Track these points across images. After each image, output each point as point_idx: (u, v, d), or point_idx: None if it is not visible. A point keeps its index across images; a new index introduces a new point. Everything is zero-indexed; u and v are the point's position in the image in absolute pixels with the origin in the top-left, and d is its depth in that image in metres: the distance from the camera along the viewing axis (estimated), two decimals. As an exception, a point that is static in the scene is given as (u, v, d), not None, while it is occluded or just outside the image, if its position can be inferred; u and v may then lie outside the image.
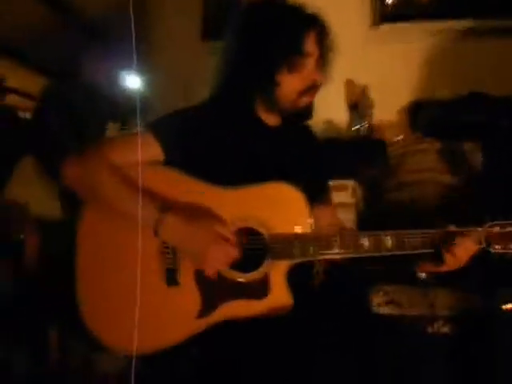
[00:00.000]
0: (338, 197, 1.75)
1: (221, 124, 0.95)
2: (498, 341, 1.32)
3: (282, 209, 0.87)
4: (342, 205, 1.87)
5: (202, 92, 1.02)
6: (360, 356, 0.81)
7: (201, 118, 0.95)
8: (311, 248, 0.86)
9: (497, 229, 0.88)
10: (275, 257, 0.85)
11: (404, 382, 0.94)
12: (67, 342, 1.34)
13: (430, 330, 1.36)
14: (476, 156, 1.94)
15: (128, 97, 1.80)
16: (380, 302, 1.41)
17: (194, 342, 0.82)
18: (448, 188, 1.93)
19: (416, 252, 0.87)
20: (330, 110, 2.07)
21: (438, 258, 0.87)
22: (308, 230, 0.87)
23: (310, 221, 0.87)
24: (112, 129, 1.90)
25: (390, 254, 0.87)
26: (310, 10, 0.97)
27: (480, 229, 0.87)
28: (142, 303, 0.80)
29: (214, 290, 0.84)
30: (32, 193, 1.86)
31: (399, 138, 2.10)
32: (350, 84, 2.34)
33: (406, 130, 2.22)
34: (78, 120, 2.02)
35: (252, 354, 0.79)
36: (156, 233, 0.82)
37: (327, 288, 1.02)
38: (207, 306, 0.83)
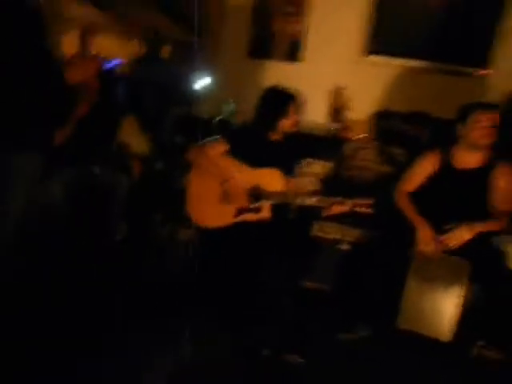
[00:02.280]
0: (314, 169, 3.06)
1: (254, 138, 2.21)
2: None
3: (272, 180, 2.16)
4: (317, 173, 3.16)
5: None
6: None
7: (245, 133, 2.24)
8: (281, 197, 2.15)
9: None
10: (265, 198, 2.15)
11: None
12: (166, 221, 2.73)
13: (339, 246, 2.71)
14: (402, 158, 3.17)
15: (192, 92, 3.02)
16: (317, 229, 2.74)
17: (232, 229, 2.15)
18: (380, 174, 3.19)
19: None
20: (317, 113, 3.31)
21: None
22: (280, 190, 2.15)
23: (282, 187, 2.15)
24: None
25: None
26: (292, 91, 2.19)
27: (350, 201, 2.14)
28: (209, 207, 2.13)
29: (240, 208, 2.15)
30: (133, 138, 3.13)
31: (359, 136, 3.33)
32: (339, 90, 3.49)
33: (368, 131, 3.43)
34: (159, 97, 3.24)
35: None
36: (222, 184, 2.12)
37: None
38: (237, 213, 2.15)
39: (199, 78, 3.01)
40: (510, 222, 2.23)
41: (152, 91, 3.21)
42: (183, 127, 3.23)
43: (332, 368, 2.05)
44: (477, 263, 2.12)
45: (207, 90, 3.09)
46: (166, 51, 3.66)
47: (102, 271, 2.45)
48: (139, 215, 2.88)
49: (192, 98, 3.16)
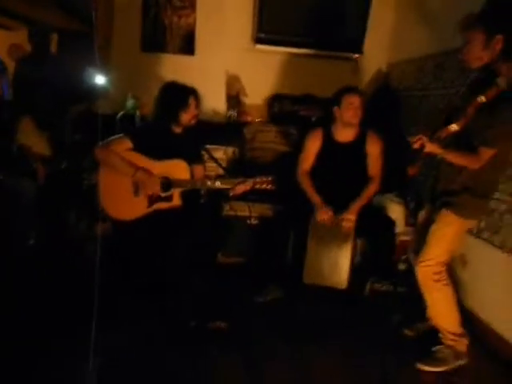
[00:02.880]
0: (217, 154, 3.27)
1: (157, 133, 2.35)
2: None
3: (179, 170, 2.34)
4: (220, 158, 3.38)
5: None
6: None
7: (148, 129, 2.36)
8: (190, 184, 2.35)
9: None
10: (175, 186, 2.33)
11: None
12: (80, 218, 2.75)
13: (248, 221, 3.00)
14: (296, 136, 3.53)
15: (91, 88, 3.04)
16: (227, 209, 3.00)
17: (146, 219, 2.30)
18: (279, 153, 3.53)
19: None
20: (214, 101, 3.52)
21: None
22: (187, 178, 2.35)
23: (189, 175, 2.35)
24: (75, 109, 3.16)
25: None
26: (191, 86, 2.37)
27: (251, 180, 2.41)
28: (123, 201, 2.26)
29: (152, 199, 2.31)
30: (32, 139, 3.05)
31: (257, 120, 3.62)
32: (233, 78, 3.73)
33: (264, 114, 3.74)
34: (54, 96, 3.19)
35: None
36: (132, 177, 2.25)
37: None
38: (150, 204, 2.31)
39: (96, 74, 3.03)
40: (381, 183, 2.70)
41: (45, 89, 3.14)
42: (85, 125, 3.23)
43: (251, 327, 2.36)
44: (360, 221, 2.55)
45: (106, 85, 3.12)
46: (53, 41, 3.56)
47: (18, 278, 2.47)
48: (52, 216, 2.88)
49: (91, 94, 3.17)
